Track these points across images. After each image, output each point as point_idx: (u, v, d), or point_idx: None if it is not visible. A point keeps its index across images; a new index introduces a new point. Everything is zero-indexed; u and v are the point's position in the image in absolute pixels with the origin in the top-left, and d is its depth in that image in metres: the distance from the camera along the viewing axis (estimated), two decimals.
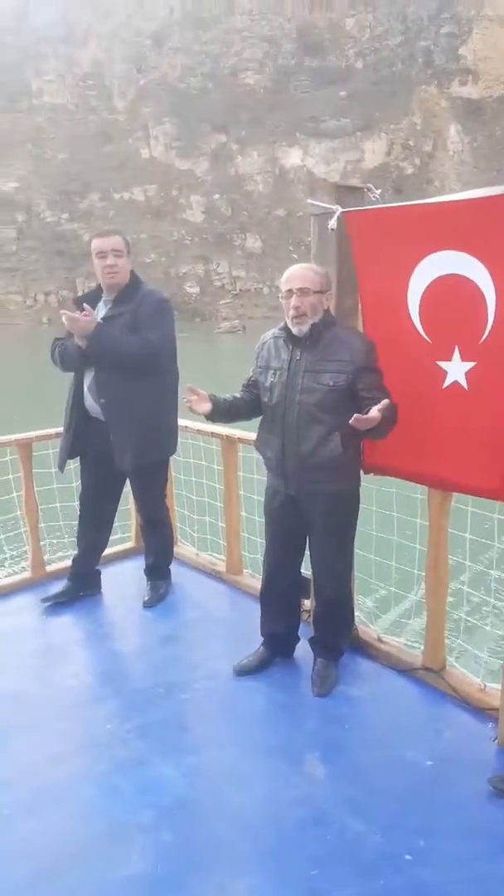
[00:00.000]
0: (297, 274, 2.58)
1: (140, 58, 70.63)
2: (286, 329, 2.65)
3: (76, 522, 3.59)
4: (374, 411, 2.28)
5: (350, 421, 2.31)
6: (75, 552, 3.64)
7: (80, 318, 3.04)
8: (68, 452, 3.37)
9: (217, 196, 62.24)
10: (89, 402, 3.27)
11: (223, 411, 2.77)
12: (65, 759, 2.42)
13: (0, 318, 55.63)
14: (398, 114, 61.11)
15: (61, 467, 3.44)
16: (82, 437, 3.33)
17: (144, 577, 3.67)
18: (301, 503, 2.72)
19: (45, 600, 3.50)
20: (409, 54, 63.26)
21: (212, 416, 2.75)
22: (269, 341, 2.75)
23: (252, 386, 2.81)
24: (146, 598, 3.54)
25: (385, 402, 2.32)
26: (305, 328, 2.57)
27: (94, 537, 3.58)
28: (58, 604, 3.49)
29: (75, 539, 3.64)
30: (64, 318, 3.06)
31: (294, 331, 2.60)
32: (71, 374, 3.32)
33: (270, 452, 2.71)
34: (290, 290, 2.56)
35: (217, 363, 24.20)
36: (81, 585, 3.60)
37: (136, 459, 3.27)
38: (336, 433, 2.56)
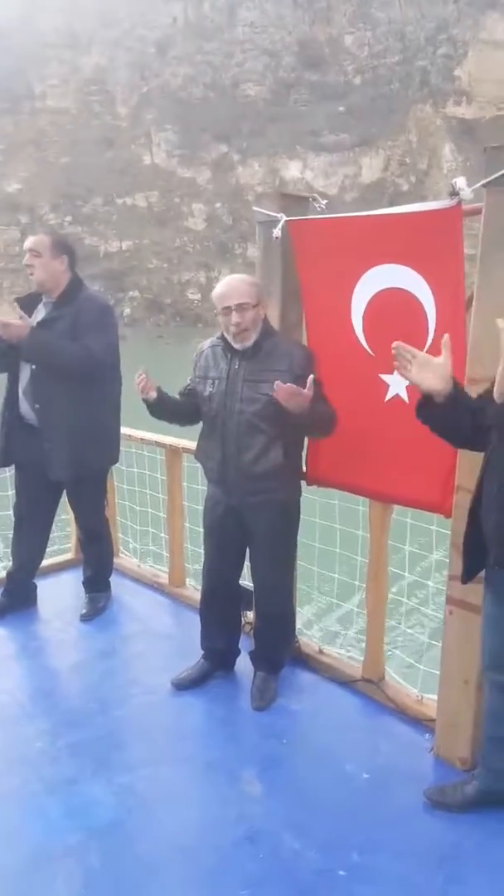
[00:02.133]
0: (234, 289, 2.49)
1: (143, 65, 71.26)
2: (224, 338, 2.59)
3: (10, 533, 3.46)
4: (307, 390, 2.27)
5: (272, 393, 2.30)
6: (9, 564, 3.51)
7: (11, 324, 2.91)
8: (2, 460, 3.25)
9: (218, 205, 62.65)
10: (24, 406, 3.13)
11: (166, 406, 2.71)
12: None
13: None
14: (395, 131, 61.93)
15: None
16: (16, 444, 3.18)
17: (83, 589, 3.58)
18: (242, 514, 2.66)
19: None
20: (407, 73, 64.13)
21: (155, 405, 2.68)
22: (206, 350, 2.69)
23: (189, 394, 2.74)
24: (84, 612, 3.43)
25: (311, 378, 2.31)
26: (249, 343, 2.52)
27: (30, 549, 3.44)
28: None
29: (9, 551, 3.50)
30: None
31: (237, 346, 2.53)
32: (4, 376, 3.19)
33: (211, 462, 2.65)
34: (227, 307, 2.48)
35: None
36: (15, 600, 3.46)
37: (71, 470, 3.14)
38: (278, 443, 2.51)
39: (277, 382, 2.28)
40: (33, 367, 3.05)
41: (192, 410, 2.75)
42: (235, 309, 2.47)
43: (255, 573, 2.77)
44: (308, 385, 2.29)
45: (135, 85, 71.56)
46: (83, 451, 3.14)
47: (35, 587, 3.56)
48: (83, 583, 3.57)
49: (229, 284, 2.52)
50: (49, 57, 72.07)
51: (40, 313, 3.11)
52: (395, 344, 1.90)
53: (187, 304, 56.35)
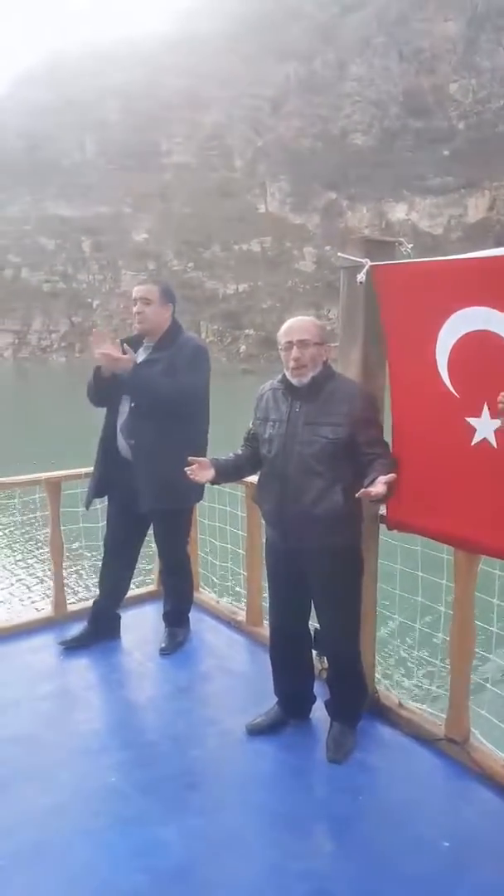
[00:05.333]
0: (297, 326, 2.50)
1: (257, 121, 75.14)
2: (285, 380, 2.55)
3: (100, 563, 3.57)
4: (381, 485, 2.14)
5: (357, 495, 2.18)
6: (97, 594, 3.57)
7: (120, 358, 2.99)
8: (95, 491, 3.30)
9: (328, 248, 63.57)
10: (120, 441, 3.20)
11: (227, 473, 2.69)
12: (65, 811, 2.30)
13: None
14: (500, 172, 61.36)
15: (87, 505, 3.38)
16: (111, 477, 3.26)
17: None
18: (300, 558, 2.56)
19: (62, 643, 3.41)
20: None
21: (216, 481, 2.68)
22: (267, 393, 2.64)
23: (252, 439, 2.69)
24: (163, 646, 3.40)
25: (391, 476, 2.19)
26: (306, 380, 2.47)
27: (117, 580, 3.48)
28: (75, 647, 3.43)
29: (98, 580, 3.57)
30: (98, 354, 3.00)
31: (294, 382, 2.49)
32: (103, 411, 3.29)
33: (268, 505, 2.58)
34: (289, 342, 2.47)
35: None
36: (100, 629, 3.48)
37: (159, 504, 3.17)
38: (337, 486, 2.42)
39: (363, 490, 2.18)
40: (132, 404, 3.12)
41: (252, 461, 2.70)
42: (297, 344, 2.46)
43: (320, 618, 2.66)
44: (388, 479, 2.18)
45: (250, 139, 75.29)
46: (172, 485, 3.13)
47: (119, 618, 3.59)
48: (163, 616, 3.55)
49: (294, 322, 2.54)
50: (172, 117, 77.40)
51: (140, 356, 3.20)
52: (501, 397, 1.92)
53: None
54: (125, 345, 3.11)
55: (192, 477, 2.60)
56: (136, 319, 3.19)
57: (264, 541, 2.85)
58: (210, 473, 2.62)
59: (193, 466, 2.60)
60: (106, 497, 3.42)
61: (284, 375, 2.55)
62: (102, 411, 3.31)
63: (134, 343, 3.25)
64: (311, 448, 2.44)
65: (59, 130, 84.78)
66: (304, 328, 2.49)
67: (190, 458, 2.61)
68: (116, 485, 3.28)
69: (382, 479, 2.16)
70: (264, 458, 2.61)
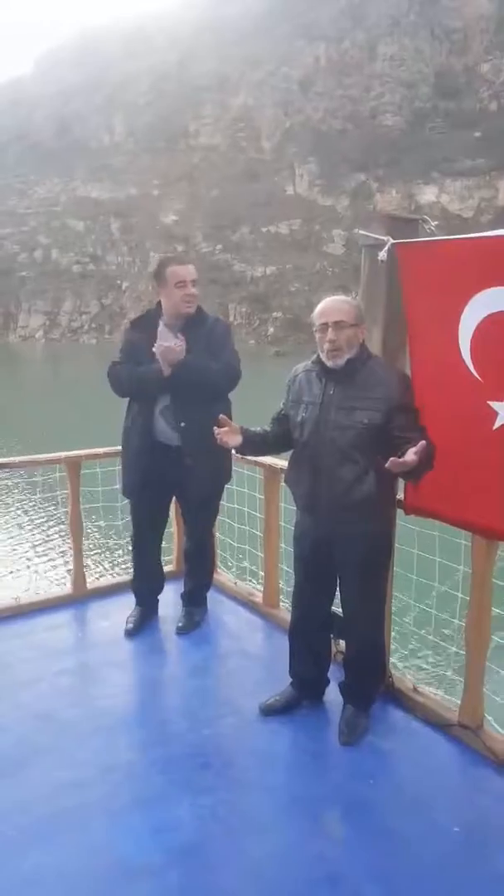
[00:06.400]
0: (333, 307, 2.39)
1: (286, 102, 74.46)
2: (319, 362, 2.46)
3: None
4: (411, 454, 2.04)
5: (386, 465, 2.10)
6: (135, 580, 3.51)
7: (173, 348, 2.93)
8: (142, 483, 3.19)
9: (357, 230, 63.97)
10: (161, 427, 3.11)
11: (253, 445, 2.62)
12: (82, 787, 2.30)
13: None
14: None
15: (132, 495, 3.28)
16: (153, 469, 3.15)
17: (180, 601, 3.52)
18: (331, 544, 2.50)
19: (128, 632, 3.35)
20: None
21: (242, 450, 2.61)
22: (300, 374, 2.55)
23: (282, 420, 2.61)
24: (180, 625, 3.38)
25: (422, 443, 2.06)
26: (341, 362, 2.38)
27: (157, 570, 3.50)
28: (93, 624, 3.43)
29: (134, 577, 3.52)
30: (156, 348, 2.93)
31: (329, 364, 2.40)
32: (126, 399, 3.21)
33: (300, 489, 2.52)
34: (324, 324, 2.37)
35: None
36: (147, 615, 3.47)
37: (211, 485, 3.17)
38: (370, 472, 2.34)
39: (392, 459, 2.09)
40: (173, 390, 3.05)
41: (281, 440, 2.63)
42: (332, 326, 2.36)
43: (345, 604, 2.59)
44: (419, 449, 2.07)
45: (279, 120, 74.58)
46: (220, 466, 3.17)
47: (158, 602, 3.57)
48: (182, 595, 3.52)
49: (330, 302, 2.42)
50: (201, 99, 76.87)
51: (163, 335, 3.09)
52: None
53: None
54: (178, 334, 3.04)
55: (219, 439, 2.54)
56: (186, 302, 3.06)
57: (290, 524, 2.79)
58: (238, 439, 2.56)
59: (223, 429, 2.54)
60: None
61: (319, 356, 2.46)
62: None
63: (145, 325, 3.18)
64: (345, 434, 2.37)
65: (88, 112, 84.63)
66: (340, 309, 2.39)
67: (221, 418, 2.54)
68: (157, 475, 3.16)
69: (413, 448, 2.06)
70: (296, 441, 2.54)
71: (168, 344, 2.93)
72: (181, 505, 3.46)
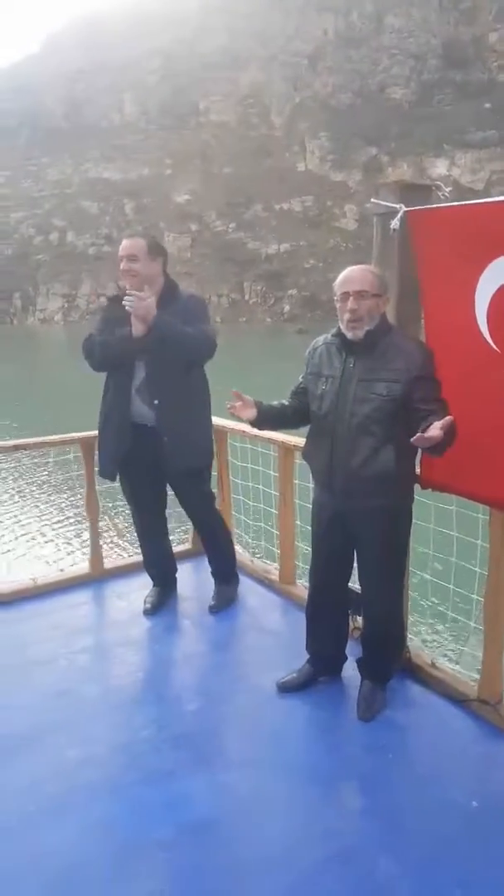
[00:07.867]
0: (355, 276, 2.29)
1: (296, 78, 73.43)
2: (340, 335, 2.38)
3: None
4: (436, 429, 1.96)
5: (412, 440, 2.02)
6: (145, 563, 3.49)
7: (144, 297, 2.80)
8: (118, 464, 3.10)
9: (369, 205, 63.34)
10: (136, 406, 2.99)
11: (269, 418, 2.55)
12: (95, 764, 2.29)
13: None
14: None
15: (112, 476, 3.18)
16: (130, 449, 3.04)
17: (211, 579, 3.46)
18: (349, 519, 2.44)
19: (146, 611, 3.34)
20: None
21: (257, 423, 2.54)
22: (321, 347, 2.47)
23: (301, 393, 2.54)
24: (212, 603, 3.35)
25: (447, 419, 1.99)
26: (361, 333, 2.29)
27: (157, 546, 3.44)
28: (110, 603, 3.41)
29: (144, 563, 3.50)
30: (126, 301, 2.79)
31: (349, 335, 2.31)
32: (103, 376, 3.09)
33: (318, 464, 2.45)
34: (346, 293, 2.28)
35: None
36: (165, 594, 3.46)
37: (188, 462, 3.05)
38: (389, 446, 2.26)
39: (418, 435, 2.00)
40: (148, 364, 2.94)
41: (298, 414, 2.55)
42: (354, 295, 2.27)
43: (363, 579, 2.53)
44: (445, 424, 1.99)
45: (288, 96, 73.45)
46: (199, 443, 3.08)
47: (176, 580, 3.55)
48: (212, 573, 3.46)
49: (352, 271, 2.32)
50: (210, 76, 75.78)
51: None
52: None
53: None
54: (145, 286, 2.90)
55: (233, 413, 2.48)
56: (124, 277, 2.93)
57: (306, 501, 2.74)
58: (252, 413, 2.50)
59: (237, 403, 2.48)
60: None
61: (339, 329, 2.38)
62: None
63: (119, 304, 3.01)
64: (365, 407, 2.29)
65: (98, 92, 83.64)
66: (362, 278, 2.30)
67: (234, 392, 2.47)
68: (134, 455, 3.05)
69: (438, 423, 1.98)
70: (314, 414, 2.47)
71: (137, 293, 2.80)
72: (171, 487, 3.31)
